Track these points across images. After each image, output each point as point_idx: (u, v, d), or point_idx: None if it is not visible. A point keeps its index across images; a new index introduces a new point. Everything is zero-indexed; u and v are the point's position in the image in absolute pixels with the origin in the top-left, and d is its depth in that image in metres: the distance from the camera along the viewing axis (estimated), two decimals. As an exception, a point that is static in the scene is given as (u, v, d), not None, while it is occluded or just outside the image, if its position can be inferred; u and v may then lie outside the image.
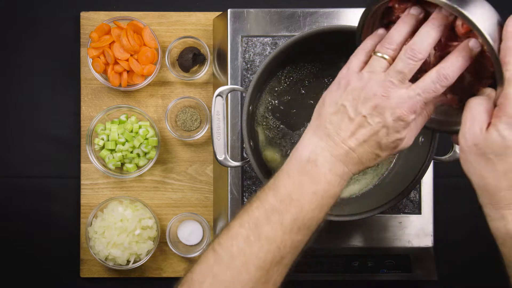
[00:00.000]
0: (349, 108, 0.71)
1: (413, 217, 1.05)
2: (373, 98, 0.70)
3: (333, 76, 1.03)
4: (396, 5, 0.74)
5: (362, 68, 0.73)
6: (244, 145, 1.02)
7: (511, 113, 0.66)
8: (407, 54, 0.69)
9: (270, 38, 1.04)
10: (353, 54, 0.74)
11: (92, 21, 1.16)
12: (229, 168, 1.03)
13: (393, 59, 0.71)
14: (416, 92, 0.70)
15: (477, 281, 1.18)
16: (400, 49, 0.71)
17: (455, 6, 0.67)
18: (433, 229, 1.06)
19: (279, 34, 1.04)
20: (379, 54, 0.72)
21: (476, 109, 0.69)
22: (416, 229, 1.05)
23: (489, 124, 0.68)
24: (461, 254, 1.17)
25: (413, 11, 0.72)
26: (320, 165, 0.72)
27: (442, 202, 1.12)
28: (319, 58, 1.02)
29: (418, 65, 0.70)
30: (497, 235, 0.70)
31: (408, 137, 0.73)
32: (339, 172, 0.72)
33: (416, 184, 0.93)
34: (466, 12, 0.66)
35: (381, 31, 0.75)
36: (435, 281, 1.11)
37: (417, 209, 1.05)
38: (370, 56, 0.73)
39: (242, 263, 0.70)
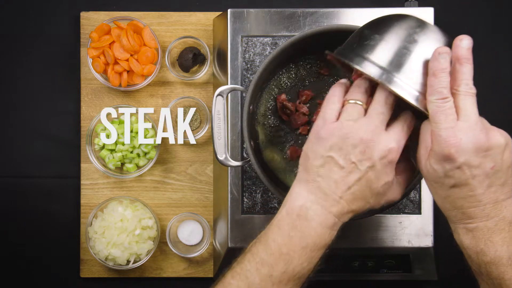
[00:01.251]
0: (338, 158, 0.72)
1: (413, 217, 1.05)
2: (360, 144, 0.71)
3: (333, 76, 1.03)
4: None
5: (337, 117, 0.74)
6: (244, 145, 1.02)
7: (436, 150, 0.69)
8: (382, 95, 0.72)
9: (270, 38, 1.04)
10: (323, 104, 0.76)
11: (92, 21, 1.16)
12: (229, 168, 1.03)
13: (366, 104, 0.73)
14: (400, 128, 0.73)
15: (477, 281, 1.18)
16: (370, 94, 0.74)
17: (381, 81, 0.70)
18: (433, 229, 1.06)
19: (279, 34, 1.04)
20: (352, 101, 0.73)
21: (423, 133, 0.72)
22: (416, 229, 1.05)
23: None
24: (461, 254, 1.17)
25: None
26: (310, 219, 0.73)
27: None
28: (319, 58, 1.02)
29: (393, 104, 0.72)
30: (458, 245, 0.76)
31: (395, 188, 0.76)
32: (330, 224, 0.74)
33: (416, 184, 0.94)
34: (390, 86, 0.70)
35: (343, 80, 0.77)
36: (435, 281, 1.11)
37: (417, 209, 1.05)
38: (341, 104, 0.75)
39: None
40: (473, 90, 0.69)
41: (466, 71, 0.69)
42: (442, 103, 0.68)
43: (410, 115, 0.74)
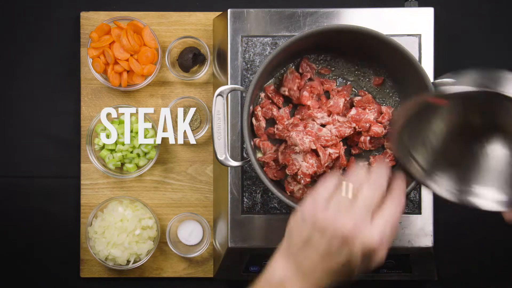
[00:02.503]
0: (319, 243, 0.72)
1: (413, 217, 1.05)
2: (343, 230, 0.71)
3: (332, 76, 1.03)
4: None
5: (328, 200, 0.74)
6: (244, 145, 1.02)
7: None
8: (371, 186, 0.72)
9: (270, 38, 1.04)
10: (318, 184, 0.75)
11: (92, 21, 1.16)
12: (229, 168, 1.03)
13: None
14: (384, 220, 0.73)
15: (477, 281, 1.18)
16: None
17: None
18: (433, 229, 1.06)
19: (279, 34, 1.04)
20: (345, 183, 0.74)
21: None
22: (416, 229, 1.05)
23: None
24: (461, 254, 1.17)
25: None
26: None
27: (442, 202, 1.12)
28: (319, 58, 1.02)
29: (381, 194, 0.73)
30: None
31: (378, 255, 0.75)
32: None
33: (416, 185, 0.93)
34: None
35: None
36: (435, 281, 1.11)
37: (417, 209, 1.05)
38: (332, 191, 0.74)
39: None
40: None
41: None
42: None
43: (399, 203, 0.74)
